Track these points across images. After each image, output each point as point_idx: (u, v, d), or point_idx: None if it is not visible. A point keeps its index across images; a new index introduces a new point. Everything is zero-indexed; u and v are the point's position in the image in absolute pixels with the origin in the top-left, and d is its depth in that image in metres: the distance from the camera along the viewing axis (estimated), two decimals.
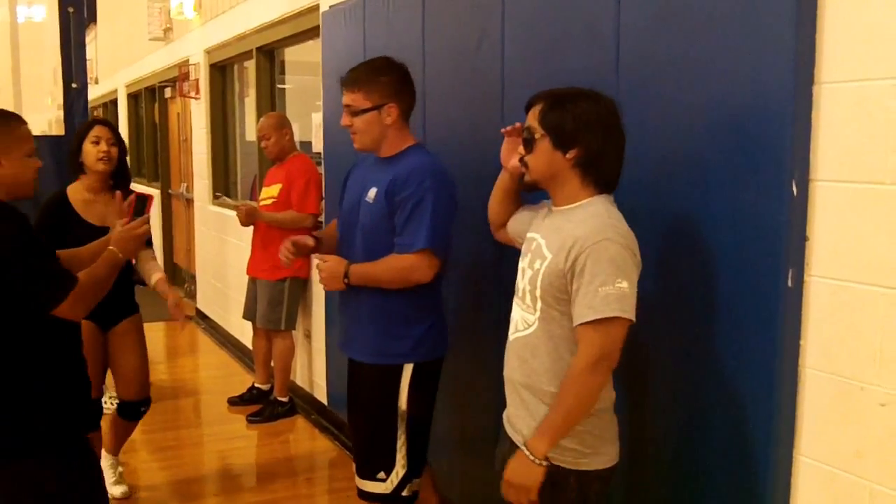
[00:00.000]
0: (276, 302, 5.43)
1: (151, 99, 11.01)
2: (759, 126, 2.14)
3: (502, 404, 2.45)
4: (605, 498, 2.30)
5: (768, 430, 2.17)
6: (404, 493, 3.04)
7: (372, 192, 2.97)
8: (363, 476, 3.07)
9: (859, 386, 1.99)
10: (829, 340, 2.06)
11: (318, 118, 5.34)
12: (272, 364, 5.66)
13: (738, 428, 2.25)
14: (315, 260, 3.14)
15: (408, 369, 2.96)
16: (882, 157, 1.91)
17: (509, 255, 2.87)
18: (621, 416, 2.35)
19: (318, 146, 5.41)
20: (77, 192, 3.86)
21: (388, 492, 3.03)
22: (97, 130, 3.86)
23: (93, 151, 3.80)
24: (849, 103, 1.98)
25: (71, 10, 6.02)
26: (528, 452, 2.16)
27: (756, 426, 2.20)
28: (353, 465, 3.14)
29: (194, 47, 8.15)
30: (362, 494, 3.11)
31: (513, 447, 2.31)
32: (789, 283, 2.09)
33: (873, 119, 1.93)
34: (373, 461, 3.05)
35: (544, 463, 2.15)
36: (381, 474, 3.03)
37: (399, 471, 3.02)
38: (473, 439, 3.52)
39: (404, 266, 2.88)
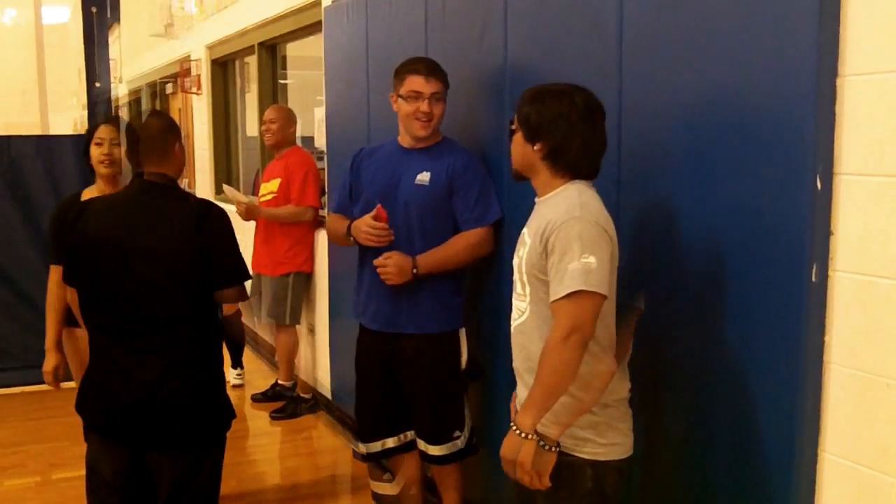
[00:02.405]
0: (281, 297, 5.41)
1: (153, 95, 10.99)
2: (779, 120, 2.11)
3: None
4: (621, 489, 2.31)
5: (792, 427, 2.14)
6: (474, 442, 3.41)
7: (425, 176, 3.26)
8: (439, 441, 3.37)
9: (885, 382, 1.96)
10: (853, 336, 2.03)
11: (320, 113, 5.31)
12: (277, 357, 5.66)
13: (761, 425, 2.23)
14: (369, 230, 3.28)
15: (463, 333, 3.35)
16: None
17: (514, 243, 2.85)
18: (638, 411, 2.36)
19: (320, 141, 5.38)
20: (91, 196, 3.78)
21: (464, 446, 3.38)
22: (101, 131, 3.66)
23: (95, 154, 3.65)
24: (873, 96, 1.94)
25: (94, 10, 6.00)
26: (515, 428, 2.20)
27: (780, 423, 2.17)
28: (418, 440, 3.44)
29: (196, 43, 8.12)
30: (437, 459, 3.41)
31: None
32: (813, 278, 2.06)
33: None
34: (448, 423, 3.37)
35: (532, 437, 2.17)
36: (457, 433, 3.37)
37: (468, 423, 3.39)
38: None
39: (478, 241, 3.24)
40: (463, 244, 3.24)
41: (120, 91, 13.47)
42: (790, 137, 2.08)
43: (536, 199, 2.39)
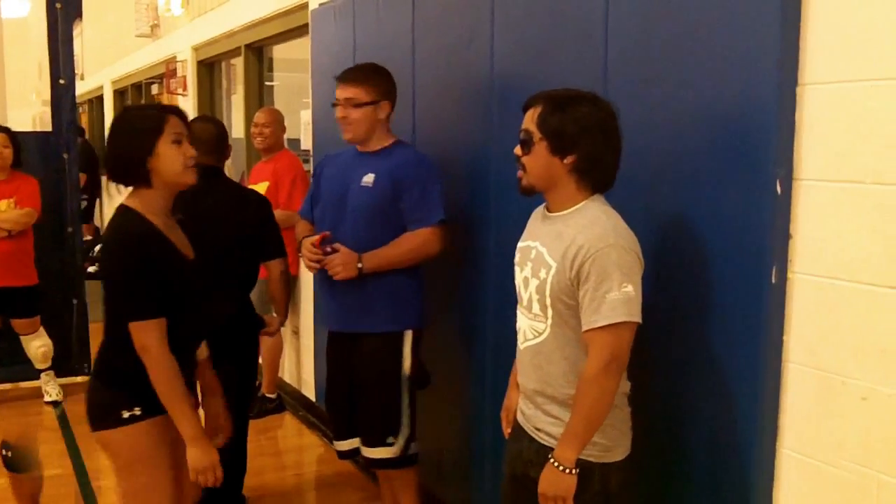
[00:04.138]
0: (265, 299, 5.43)
1: (138, 95, 10.99)
2: (744, 126, 2.18)
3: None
4: (626, 489, 2.32)
5: (753, 424, 2.21)
6: (410, 452, 3.35)
7: (370, 178, 3.26)
8: (373, 444, 3.34)
9: (841, 380, 2.04)
10: (811, 336, 2.10)
11: (306, 115, 5.35)
12: (260, 361, 5.66)
13: (723, 421, 2.30)
14: (307, 252, 3.30)
15: (408, 335, 3.30)
16: (863, 156, 1.96)
17: (500, 251, 2.91)
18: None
19: (306, 143, 5.41)
20: None
21: (398, 454, 3.32)
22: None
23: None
24: (832, 104, 2.02)
25: (59, 5, 6.00)
26: (557, 463, 2.18)
27: (741, 420, 2.24)
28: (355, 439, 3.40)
29: (182, 44, 8.14)
30: (372, 463, 3.40)
31: (533, 444, 2.34)
32: (773, 280, 2.13)
33: (855, 119, 1.97)
34: (381, 427, 3.32)
35: (575, 471, 2.18)
36: (391, 438, 3.31)
37: (405, 432, 3.31)
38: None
39: (422, 241, 3.25)
40: (407, 244, 3.24)
41: (83, 88, 13.46)
42: (752, 144, 2.16)
43: (548, 212, 2.31)
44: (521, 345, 2.37)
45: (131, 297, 2.47)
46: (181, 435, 2.49)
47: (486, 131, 3.24)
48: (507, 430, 2.56)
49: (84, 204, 12.39)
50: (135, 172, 2.54)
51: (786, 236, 2.12)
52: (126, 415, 2.49)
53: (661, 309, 2.45)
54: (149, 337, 2.44)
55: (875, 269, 1.95)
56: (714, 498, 2.33)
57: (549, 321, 2.25)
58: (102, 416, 2.56)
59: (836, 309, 2.04)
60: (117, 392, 2.53)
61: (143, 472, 2.52)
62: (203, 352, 2.80)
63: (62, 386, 5.90)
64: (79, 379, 6.15)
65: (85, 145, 12.74)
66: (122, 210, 2.56)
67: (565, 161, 2.20)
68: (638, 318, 2.13)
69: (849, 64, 1.98)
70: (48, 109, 6.25)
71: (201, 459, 2.49)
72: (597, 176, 2.23)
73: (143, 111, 2.62)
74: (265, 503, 4.16)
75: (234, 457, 3.54)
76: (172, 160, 2.53)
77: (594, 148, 2.19)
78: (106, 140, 2.63)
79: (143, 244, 2.49)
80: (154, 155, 2.52)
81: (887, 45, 1.90)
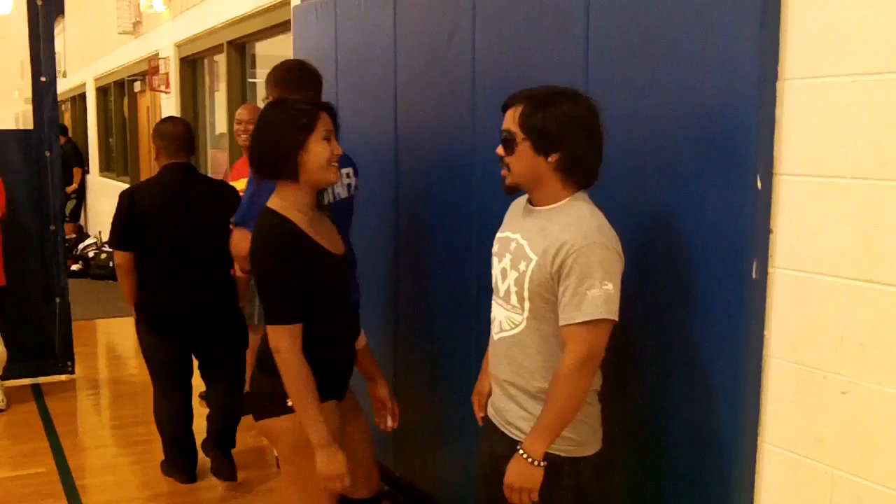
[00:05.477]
0: (249, 296, 5.41)
1: (121, 93, 10.94)
2: (725, 121, 2.19)
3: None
4: (598, 485, 2.33)
5: (734, 418, 2.22)
6: None
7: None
8: None
9: (822, 375, 2.04)
10: (792, 330, 2.11)
11: None
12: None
13: (704, 416, 2.30)
14: None
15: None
16: (843, 151, 1.96)
17: (482, 247, 2.90)
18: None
19: None
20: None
21: None
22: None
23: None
24: (811, 99, 2.03)
25: (39, 2, 5.96)
26: (526, 455, 2.19)
27: (722, 414, 2.25)
28: None
29: (164, 41, 8.11)
30: None
31: (504, 439, 2.34)
32: (754, 275, 2.13)
33: (835, 115, 1.98)
34: None
35: (543, 464, 2.19)
36: None
37: None
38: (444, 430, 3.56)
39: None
40: None
41: (65, 85, 13.40)
42: (733, 139, 2.16)
43: (532, 206, 2.31)
44: (496, 335, 2.38)
45: (269, 301, 2.56)
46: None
47: (467, 127, 3.23)
48: (479, 414, 2.57)
49: (73, 203, 12.40)
50: (283, 166, 2.56)
51: (766, 231, 2.13)
52: (290, 403, 2.55)
53: (642, 304, 2.46)
54: (281, 340, 2.51)
55: (854, 263, 1.95)
56: (697, 493, 2.34)
57: (526, 314, 2.25)
58: (267, 406, 2.62)
59: (816, 303, 2.05)
60: (281, 382, 2.56)
61: (308, 457, 2.53)
62: (361, 340, 2.90)
63: (45, 385, 5.87)
64: (63, 377, 6.12)
65: (70, 144, 12.70)
66: (266, 212, 2.60)
67: (550, 159, 2.20)
68: (616, 317, 2.15)
69: (829, 59, 1.99)
70: (31, 107, 6.21)
71: (327, 466, 2.50)
72: (581, 173, 2.23)
73: (296, 105, 2.62)
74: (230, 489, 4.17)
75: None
76: (320, 156, 2.55)
77: (578, 145, 2.20)
78: (254, 133, 2.66)
79: (283, 249, 2.53)
80: (304, 150, 2.55)
81: (868, 41, 1.90)
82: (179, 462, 4.32)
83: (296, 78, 3.37)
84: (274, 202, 2.60)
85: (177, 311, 4.09)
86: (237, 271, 3.96)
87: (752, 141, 2.11)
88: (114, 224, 4.08)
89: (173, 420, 4.26)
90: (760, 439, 2.20)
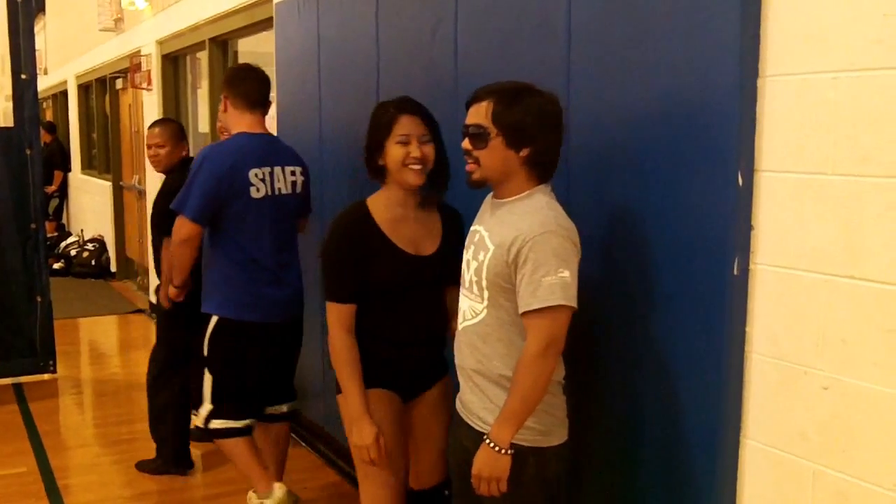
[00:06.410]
0: None
1: (102, 90, 10.87)
2: (706, 118, 2.19)
3: None
4: (563, 476, 2.36)
5: (717, 415, 2.22)
6: (212, 427, 3.64)
7: None
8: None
9: (803, 370, 2.05)
10: (774, 326, 2.12)
11: (271, 109, 5.31)
12: None
13: (687, 413, 2.31)
14: None
15: (213, 319, 3.59)
16: (824, 148, 1.97)
17: None
18: (569, 396, 2.41)
19: None
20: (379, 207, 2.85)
21: (201, 425, 3.67)
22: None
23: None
24: (792, 96, 2.03)
25: None
26: (492, 443, 2.21)
27: (705, 411, 2.25)
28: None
29: (146, 38, 8.06)
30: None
31: (470, 432, 2.36)
32: (735, 271, 2.14)
33: (815, 111, 1.98)
34: (193, 398, 3.76)
35: (510, 451, 2.21)
36: (194, 410, 3.72)
37: (205, 406, 3.62)
38: None
39: (174, 228, 3.56)
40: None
41: (46, 83, 13.30)
42: (714, 135, 2.16)
43: (494, 199, 2.36)
44: (461, 325, 2.42)
45: (325, 278, 2.77)
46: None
47: (450, 122, 3.22)
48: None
49: (55, 202, 12.32)
50: (372, 168, 2.76)
51: (747, 227, 2.13)
52: None
53: (623, 300, 2.47)
54: (331, 317, 2.73)
55: (835, 259, 1.96)
56: (679, 489, 2.35)
57: (486, 302, 2.31)
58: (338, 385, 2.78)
59: (797, 299, 2.06)
60: None
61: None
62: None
63: (27, 384, 5.84)
64: (45, 377, 6.09)
65: (57, 143, 12.62)
66: (356, 202, 2.81)
67: (521, 154, 2.25)
68: (574, 304, 2.18)
69: (810, 56, 1.99)
70: (11, 105, 6.17)
71: (358, 437, 2.69)
72: (544, 166, 2.30)
73: (384, 107, 2.75)
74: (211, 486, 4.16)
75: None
76: (394, 159, 2.67)
77: (548, 140, 2.27)
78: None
79: (346, 234, 2.71)
80: (383, 152, 2.70)
81: (848, 38, 1.91)
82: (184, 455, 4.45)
83: (238, 76, 3.85)
84: (372, 195, 2.78)
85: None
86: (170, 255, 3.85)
87: (734, 137, 2.11)
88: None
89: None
90: (743, 435, 2.20)
